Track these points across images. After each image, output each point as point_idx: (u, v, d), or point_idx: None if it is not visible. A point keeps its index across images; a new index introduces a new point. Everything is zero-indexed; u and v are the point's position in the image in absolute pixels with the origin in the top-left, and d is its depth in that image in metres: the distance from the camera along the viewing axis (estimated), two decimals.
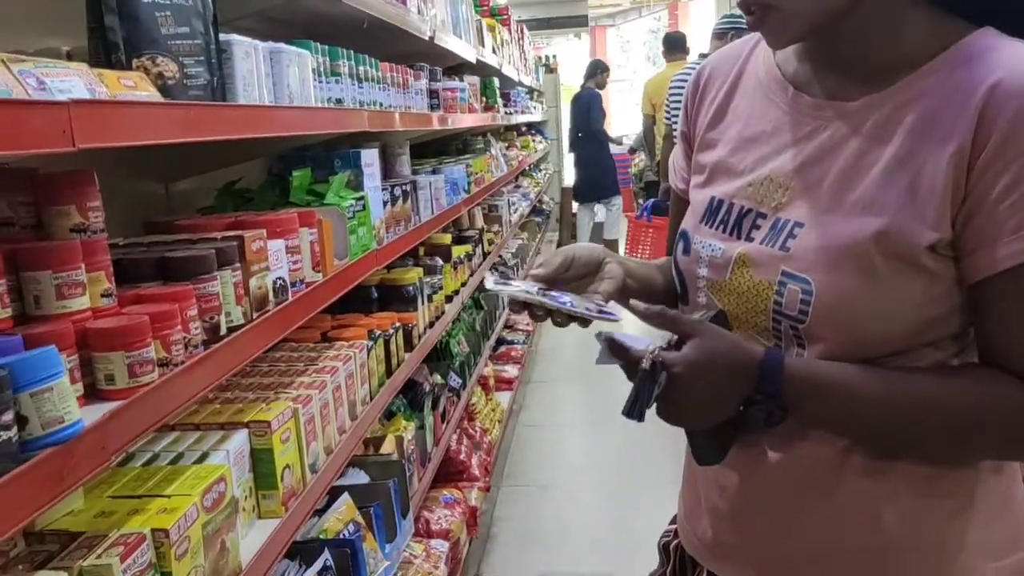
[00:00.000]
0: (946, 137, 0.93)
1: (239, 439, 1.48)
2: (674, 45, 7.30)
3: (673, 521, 1.31)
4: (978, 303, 0.96)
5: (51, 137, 0.91)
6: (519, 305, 1.06)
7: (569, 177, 12.12)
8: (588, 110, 8.92)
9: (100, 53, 1.26)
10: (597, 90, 9.09)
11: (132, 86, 1.16)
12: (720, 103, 1.17)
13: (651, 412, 1.01)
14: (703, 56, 5.39)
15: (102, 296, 1.14)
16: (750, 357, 0.99)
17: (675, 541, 1.28)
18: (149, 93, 1.20)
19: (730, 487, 1.12)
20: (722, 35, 4.89)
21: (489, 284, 1.07)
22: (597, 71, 9.26)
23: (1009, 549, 1.06)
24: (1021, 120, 0.89)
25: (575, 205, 9.42)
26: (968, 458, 1.04)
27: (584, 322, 1.05)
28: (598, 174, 8.91)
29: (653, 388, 0.97)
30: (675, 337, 1.01)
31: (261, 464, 1.53)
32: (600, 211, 9.12)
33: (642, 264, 1.26)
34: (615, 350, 1.01)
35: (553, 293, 1.07)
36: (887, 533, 1.03)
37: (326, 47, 2.02)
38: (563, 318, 1.04)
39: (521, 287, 1.08)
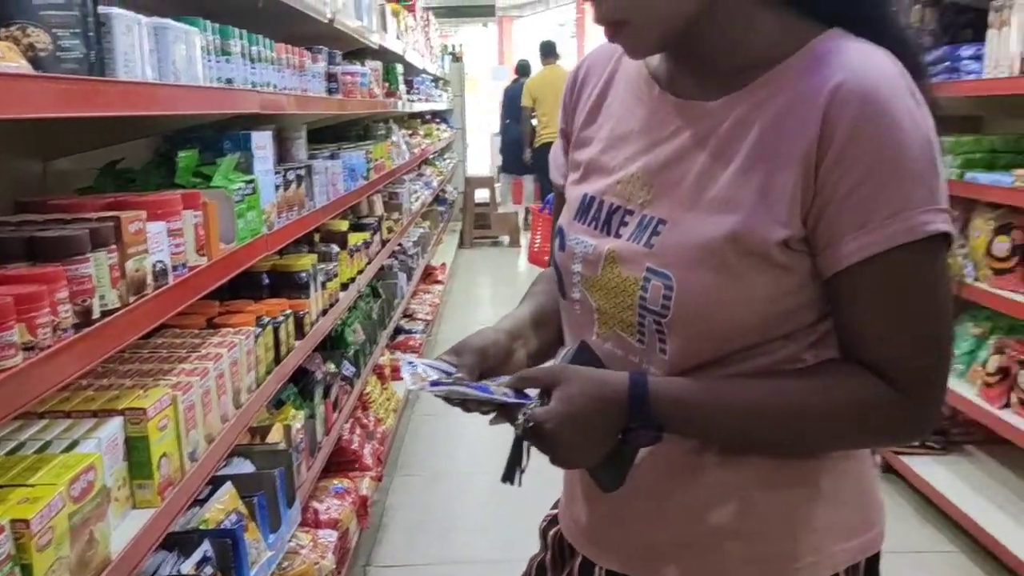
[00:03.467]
0: (795, 137, 0.96)
1: (113, 427, 1.43)
2: (547, 52, 9.69)
3: (555, 506, 1.34)
4: (832, 296, 1.01)
5: None
6: (441, 397, 1.03)
7: (473, 167, 12.28)
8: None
9: None
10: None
11: (0, 57, 1.10)
12: (595, 101, 1.18)
13: None
14: None
15: None
16: (616, 391, 1.01)
17: (554, 528, 1.30)
18: (18, 64, 1.14)
19: None
20: None
21: (407, 380, 1.04)
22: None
23: (860, 529, 1.11)
24: (861, 121, 0.93)
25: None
26: (830, 449, 1.08)
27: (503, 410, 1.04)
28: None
29: (526, 451, 1.01)
30: None
31: (136, 452, 1.48)
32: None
33: (536, 327, 1.24)
34: (502, 413, 1.03)
35: (470, 384, 1.06)
36: (739, 521, 1.07)
37: (217, 26, 1.96)
38: (486, 407, 1.04)
39: (433, 371, 1.06)
